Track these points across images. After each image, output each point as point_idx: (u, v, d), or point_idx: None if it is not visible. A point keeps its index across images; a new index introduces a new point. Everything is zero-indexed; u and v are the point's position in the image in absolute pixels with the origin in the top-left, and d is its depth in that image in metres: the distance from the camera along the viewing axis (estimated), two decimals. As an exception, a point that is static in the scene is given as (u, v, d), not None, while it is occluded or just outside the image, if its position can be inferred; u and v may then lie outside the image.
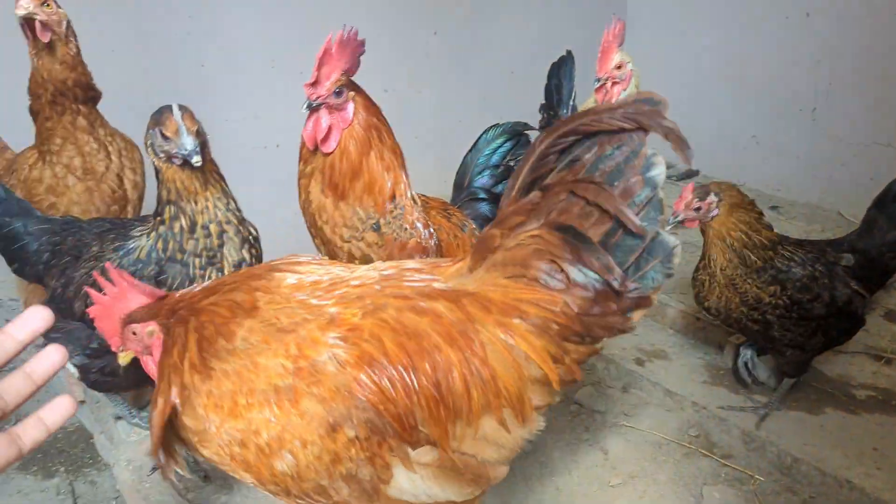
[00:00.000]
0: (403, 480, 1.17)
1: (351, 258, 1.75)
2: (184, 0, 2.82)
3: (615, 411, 2.34)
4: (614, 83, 2.39)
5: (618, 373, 2.51)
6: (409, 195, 1.74)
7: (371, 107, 1.73)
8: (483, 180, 2.26)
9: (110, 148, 2.11)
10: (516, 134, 2.28)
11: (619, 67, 2.39)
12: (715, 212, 2.03)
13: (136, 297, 1.26)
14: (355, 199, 1.69)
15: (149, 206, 2.24)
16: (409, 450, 1.16)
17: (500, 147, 2.27)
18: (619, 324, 1.18)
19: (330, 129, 1.65)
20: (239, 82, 3.07)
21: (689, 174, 4.15)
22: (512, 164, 2.27)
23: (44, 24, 1.93)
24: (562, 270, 1.14)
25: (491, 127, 2.28)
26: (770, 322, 2.10)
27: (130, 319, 1.25)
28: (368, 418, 1.12)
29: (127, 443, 2.13)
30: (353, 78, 1.70)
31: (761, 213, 2.11)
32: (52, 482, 2.10)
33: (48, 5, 1.93)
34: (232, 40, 2.99)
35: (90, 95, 2.07)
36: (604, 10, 4.22)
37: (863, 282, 2.15)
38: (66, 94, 2.02)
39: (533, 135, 2.51)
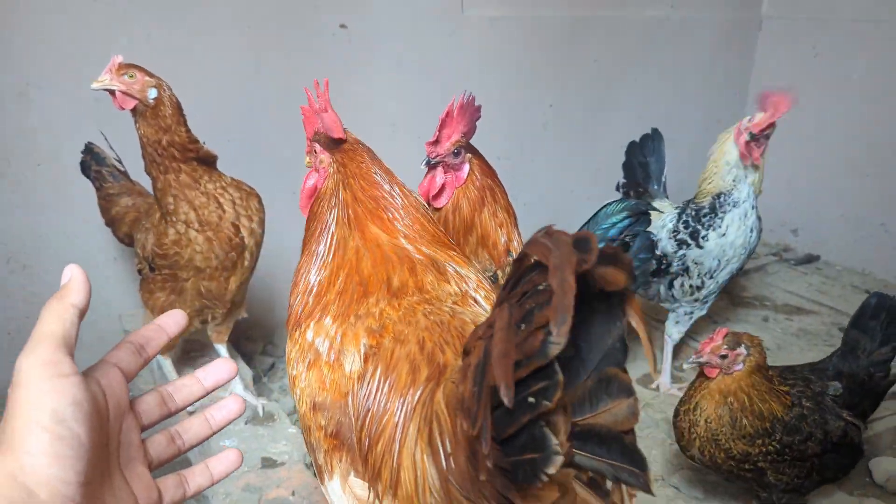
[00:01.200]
0: (336, 491, 1.20)
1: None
2: (315, 67, 3.02)
3: (714, 498, 2.22)
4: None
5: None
6: (522, 253, 1.78)
7: (486, 169, 1.79)
8: (598, 253, 2.25)
9: (221, 199, 2.20)
10: (637, 212, 2.28)
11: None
12: (739, 367, 1.87)
13: (331, 122, 1.34)
14: (470, 252, 1.74)
15: (271, 252, 2.38)
16: (352, 473, 1.17)
17: (619, 222, 2.26)
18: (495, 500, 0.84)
19: (444, 186, 1.73)
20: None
21: (809, 259, 3.98)
22: (628, 239, 2.27)
23: (124, 94, 2.03)
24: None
25: (613, 202, 2.30)
26: (763, 469, 1.92)
27: (317, 137, 1.37)
28: (340, 421, 1.16)
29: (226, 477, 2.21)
30: (469, 142, 1.78)
31: (774, 381, 1.94)
32: (155, 508, 2.19)
33: (131, 76, 2.03)
34: (355, 103, 3.17)
35: (189, 156, 2.14)
36: (722, 88, 4.20)
37: (854, 409, 1.98)
38: (164, 154, 2.11)
39: (653, 215, 2.51)
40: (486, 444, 0.76)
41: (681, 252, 2.54)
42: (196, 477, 0.87)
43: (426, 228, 1.32)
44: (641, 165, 2.83)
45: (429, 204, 1.74)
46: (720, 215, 2.49)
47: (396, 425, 1.08)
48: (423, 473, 1.00)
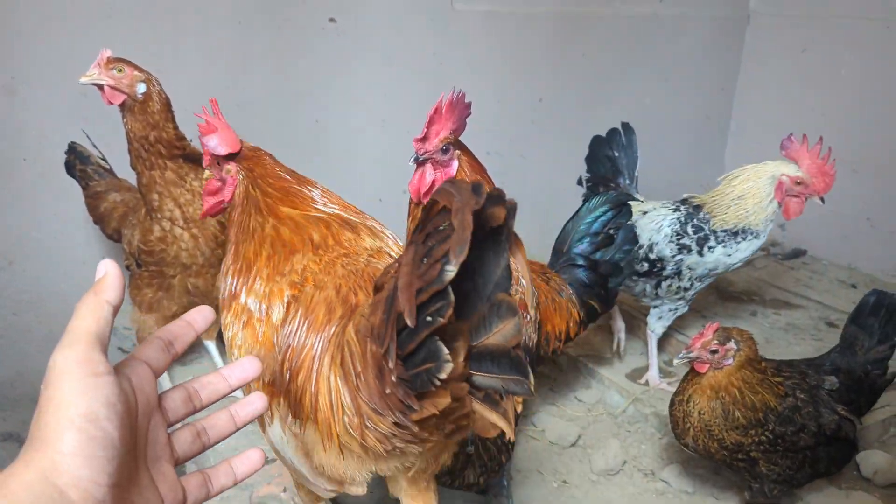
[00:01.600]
0: (277, 433, 1.31)
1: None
2: (304, 61, 3.00)
3: (703, 492, 2.24)
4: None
5: (710, 453, 2.40)
6: (510, 252, 1.78)
7: (475, 165, 1.79)
8: (582, 247, 2.27)
9: None
10: (619, 204, 2.29)
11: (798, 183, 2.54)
12: (729, 361, 1.87)
13: (228, 138, 1.43)
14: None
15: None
16: (290, 416, 1.25)
17: (601, 216, 2.28)
18: (399, 413, 0.99)
19: (434, 182, 1.72)
20: (350, 139, 3.22)
21: (796, 254, 4.00)
22: (612, 232, 2.27)
23: (113, 88, 2.01)
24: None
25: (594, 195, 2.31)
26: (756, 459, 1.93)
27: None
28: (275, 370, 1.27)
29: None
30: (459, 139, 1.77)
31: (767, 372, 1.92)
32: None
33: (119, 70, 2.00)
34: (346, 100, 3.16)
35: (175, 153, 2.12)
36: (710, 84, 4.21)
37: (851, 405, 1.98)
38: (150, 150, 2.08)
39: (635, 206, 2.51)
40: (393, 361, 0.90)
41: (679, 257, 2.52)
42: (220, 477, 0.85)
43: (337, 202, 1.44)
44: (609, 159, 2.81)
45: (420, 202, 1.73)
46: (738, 240, 2.48)
47: (314, 357, 1.20)
48: (337, 394, 1.11)
